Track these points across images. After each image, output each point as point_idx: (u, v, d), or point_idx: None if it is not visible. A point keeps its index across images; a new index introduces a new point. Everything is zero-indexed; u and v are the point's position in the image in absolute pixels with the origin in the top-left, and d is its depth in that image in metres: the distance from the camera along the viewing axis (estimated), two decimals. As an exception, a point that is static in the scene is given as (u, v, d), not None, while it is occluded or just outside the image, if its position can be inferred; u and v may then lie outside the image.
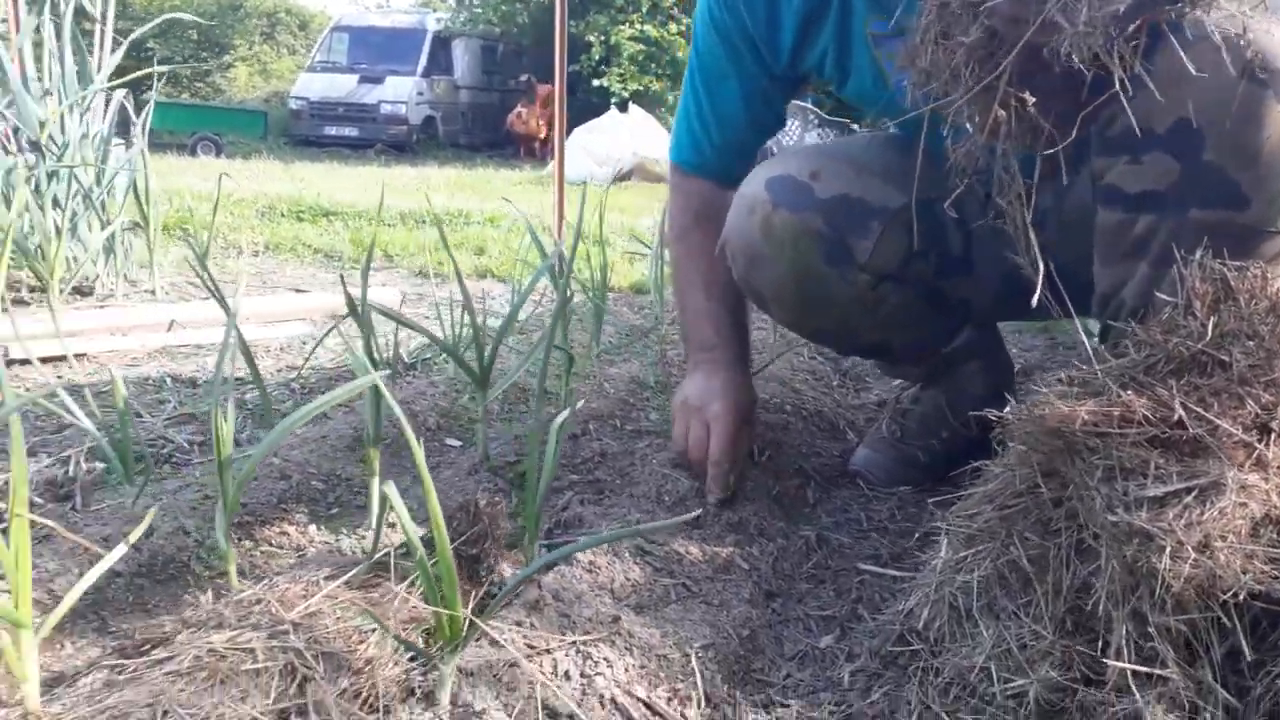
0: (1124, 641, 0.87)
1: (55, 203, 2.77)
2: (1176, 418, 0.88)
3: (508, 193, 7.84)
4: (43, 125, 2.80)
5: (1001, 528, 1.05)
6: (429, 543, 0.87)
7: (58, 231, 2.72)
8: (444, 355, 2.26)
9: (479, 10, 19.04)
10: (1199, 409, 0.88)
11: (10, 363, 2.08)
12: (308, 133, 16.85)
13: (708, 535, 1.32)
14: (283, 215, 5.06)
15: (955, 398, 1.58)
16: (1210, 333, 0.92)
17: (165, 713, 0.78)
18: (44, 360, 2.07)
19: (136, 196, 2.97)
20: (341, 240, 4.25)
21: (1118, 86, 0.86)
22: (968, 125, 0.92)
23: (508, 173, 11.89)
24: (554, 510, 1.40)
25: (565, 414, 1.14)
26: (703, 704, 0.96)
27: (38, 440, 1.61)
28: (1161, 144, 0.99)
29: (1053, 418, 0.96)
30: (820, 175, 1.34)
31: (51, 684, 0.94)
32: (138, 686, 0.83)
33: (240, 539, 1.26)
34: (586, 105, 14.04)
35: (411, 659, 0.91)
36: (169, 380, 2.01)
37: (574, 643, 0.98)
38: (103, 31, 3.13)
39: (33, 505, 1.34)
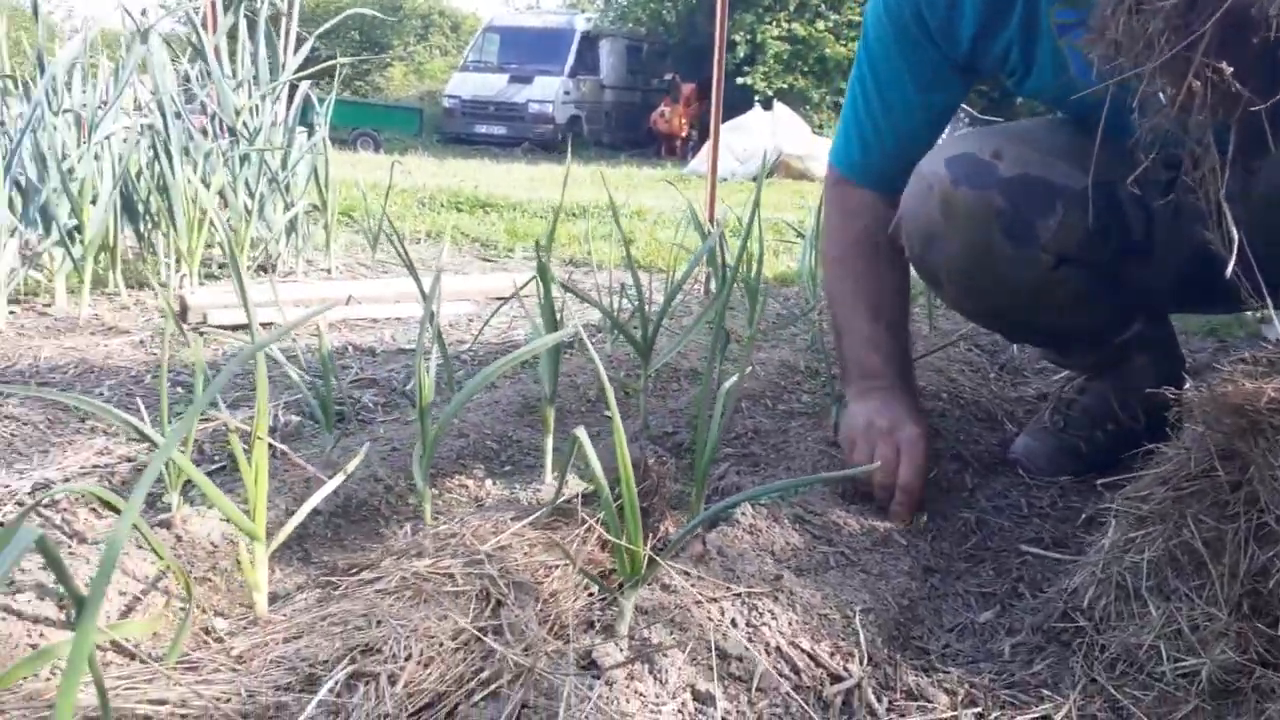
0: (1308, 622, 0.85)
1: (246, 186, 3.00)
2: (1374, 398, 0.86)
3: (649, 190, 7.95)
4: (238, 113, 3.03)
5: (1174, 510, 1.04)
6: (614, 488, 0.93)
7: (247, 211, 2.95)
8: (599, 335, 2.35)
9: (627, 9, 19.30)
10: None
11: (204, 329, 2.27)
12: (459, 130, 17.46)
13: (866, 510, 1.34)
14: (441, 206, 5.29)
15: (1123, 391, 1.54)
16: None
17: (378, 621, 0.86)
18: (232, 328, 2.25)
19: (317, 182, 3.18)
20: (497, 230, 4.42)
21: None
22: (1161, 96, 0.91)
23: (649, 170, 12.03)
24: (712, 479, 1.44)
25: (732, 382, 1.19)
26: (864, 661, 0.98)
27: (239, 395, 1.76)
28: None
29: (1236, 395, 0.94)
30: (1003, 155, 1.33)
31: (269, 601, 1.05)
32: (352, 600, 0.93)
33: (428, 486, 1.36)
34: (729, 103, 14.06)
35: (591, 594, 0.98)
36: (350, 348, 2.16)
37: (739, 595, 1.02)
38: (287, 29, 3.36)
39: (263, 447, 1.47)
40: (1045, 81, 1.38)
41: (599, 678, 0.83)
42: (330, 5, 17.77)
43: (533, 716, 0.78)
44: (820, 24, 16.16)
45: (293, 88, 3.30)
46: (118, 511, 1.09)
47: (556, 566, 1.00)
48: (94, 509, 1.28)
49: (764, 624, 0.99)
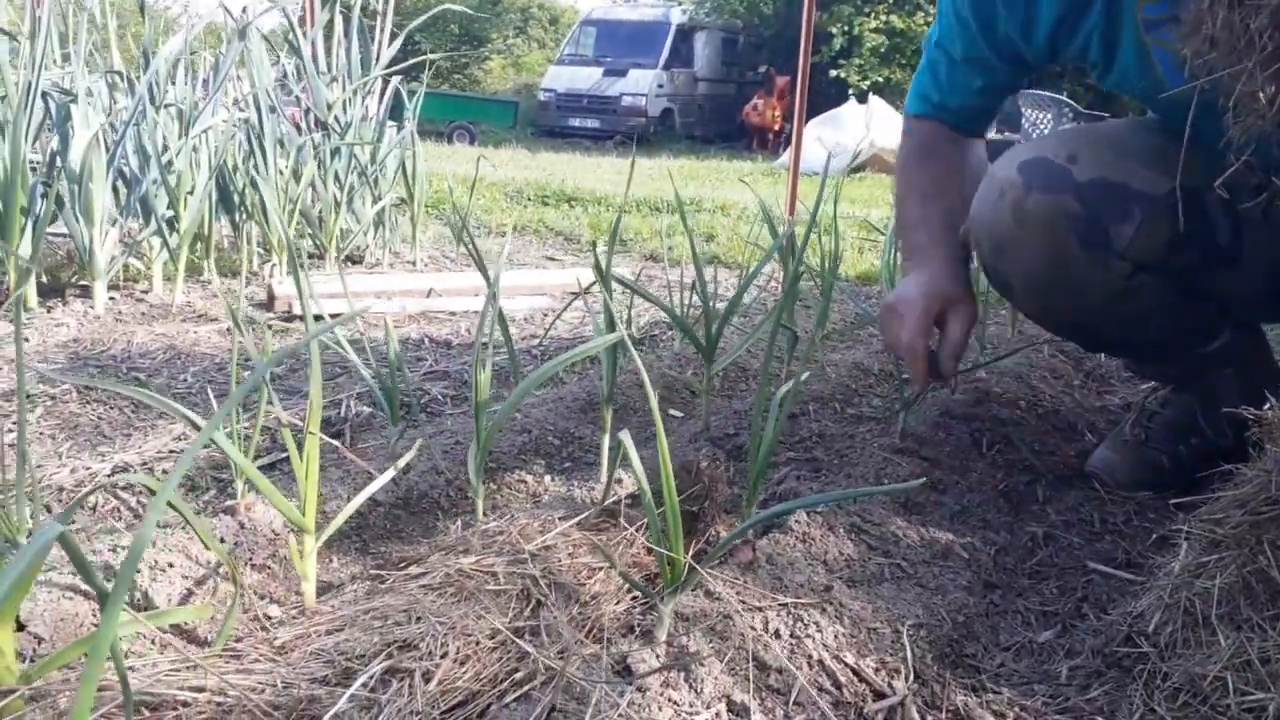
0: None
1: (336, 178, 3.08)
2: None
3: (738, 184, 7.90)
4: (329, 108, 3.11)
5: (1251, 535, 0.99)
6: (658, 494, 0.93)
7: (336, 204, 3.03)
8: (670, 333, 2.34)
9: (724, 0, 19.19)
10: None
11: (291, 318, 2.35)
12: (553, 123, 17.61)
13: (927, 520, 1.30)
14: (529, 199, 5.35)
15: (1209, 404, 1.47)
16: None
17: (418, 618, 0.88)
18: (316, 318, 2.32)
19: (405, 176, 3.24)
20: (581, 225, 4.45)
21: None
22: (1260, 95, 0.86)
23: (739, 164, 11.95)
24: (770, 484, 1.43)
25: (788, 386, 1.17)
26: (911, 678, 0.96)
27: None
28: None
29: (1318, 418, 0.89)
30: (1078, 158, 1.29)
31: (322, 590, 1.07)
32: (396, 595, 0.94)
33: (485, 481, 1.37)
34: (824, 96, 13.86)
35: (633, 598, 0.97)
36: (426, 340, 2.21)
37: (785, 604, 1.01)
38: (382, 24, 3.43)
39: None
40: (1129, 78, 1.32)
41: (632, 684, 0.83)
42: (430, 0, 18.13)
43: (562, 720, 0.78)
44: (919, 16, 15.79)
45: (385, 83, 3.37)
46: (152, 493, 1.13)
47: (600, 569, 1.00)
48: (169, 493, 1.33)
49: (808, 636, 0.97)
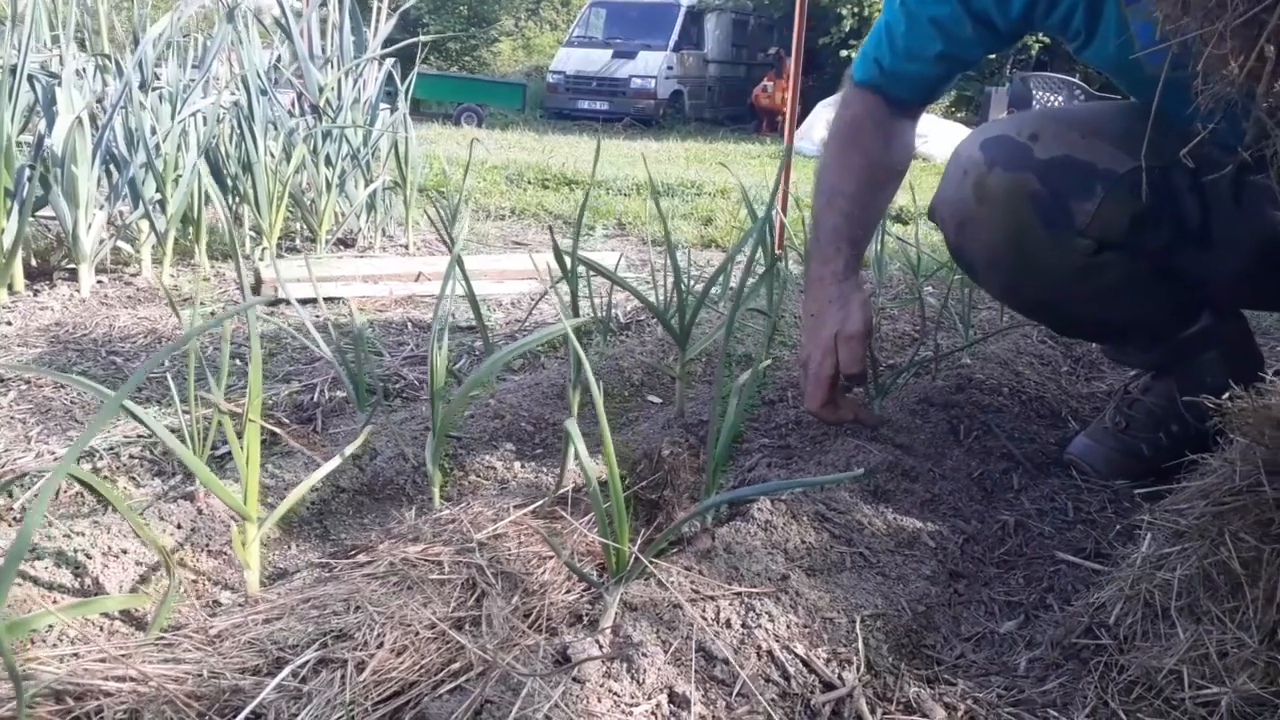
0: (1338, 659, 0.78)
1: (328, 161, 3.06)
2: None
3: (745, 166, 7.85)
4: (322, 90, 3.10)
5: (1213, 526, 0.97)
6: (604, 484, 0.92)
7: (328, 187, 3.02)
8: (655, 319, 2.33)
9: (734, -19, 19.06)
10: None
11: (277, 302, 2.34)
12: (562, 106, 17.53)
13: (895, 508, 1.29)
14: (529, 182, 5.32)
15: (1189, 390, 1.44)
16: None
17: (357, 607, 0.87)
18: (303, 302, 2.31)
19: (397, 158, 3.23)
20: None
21: None
22: (1231, 61, 0.84)
23: (747, 146, 11.87)
24: (740, 470, 1.42)
25: (748, 373, 1.16)
26: (863, 669, 0.95)
27: (291, 369, 1.80)
28: None
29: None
30: (1040, 137, 1.27)
31: (275, 577, 1.07)
32: (339, 584, 0.94)
33: (452, 468, 1.37)
34: (835, 78, 13.76)
35: (583, 588, 0.96)
36: (410, 325, 2.20)
37: (739, 594, 1.00)
38: (379, 5, 3.41)
39: (279, 424, 1.51)
40: (1108, 51, 1.29)
41: (569, 674, 0.82)
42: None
43: (495, 712, 0.77)
44: (933, -4, 15.63)
45: (380, 64, 3.35)
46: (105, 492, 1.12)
47: (550, 557, 0.99)
48: (133, 477, 1.33)
49: (759, 626, 0.96)
